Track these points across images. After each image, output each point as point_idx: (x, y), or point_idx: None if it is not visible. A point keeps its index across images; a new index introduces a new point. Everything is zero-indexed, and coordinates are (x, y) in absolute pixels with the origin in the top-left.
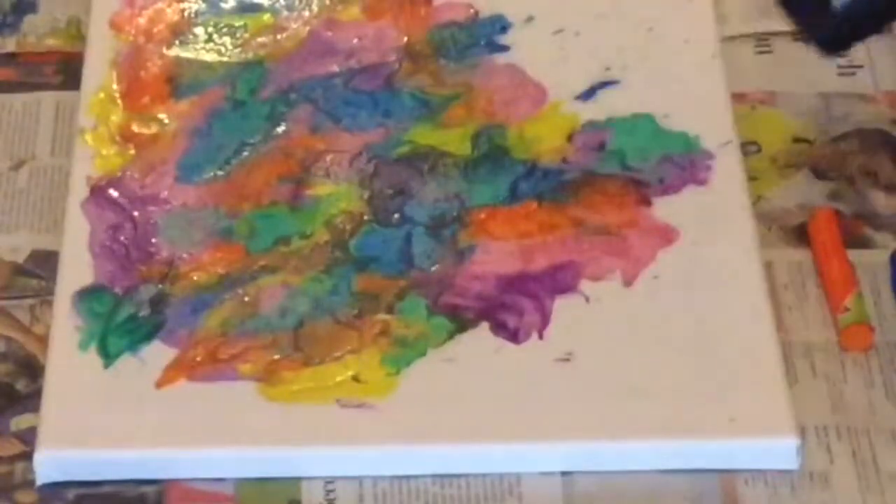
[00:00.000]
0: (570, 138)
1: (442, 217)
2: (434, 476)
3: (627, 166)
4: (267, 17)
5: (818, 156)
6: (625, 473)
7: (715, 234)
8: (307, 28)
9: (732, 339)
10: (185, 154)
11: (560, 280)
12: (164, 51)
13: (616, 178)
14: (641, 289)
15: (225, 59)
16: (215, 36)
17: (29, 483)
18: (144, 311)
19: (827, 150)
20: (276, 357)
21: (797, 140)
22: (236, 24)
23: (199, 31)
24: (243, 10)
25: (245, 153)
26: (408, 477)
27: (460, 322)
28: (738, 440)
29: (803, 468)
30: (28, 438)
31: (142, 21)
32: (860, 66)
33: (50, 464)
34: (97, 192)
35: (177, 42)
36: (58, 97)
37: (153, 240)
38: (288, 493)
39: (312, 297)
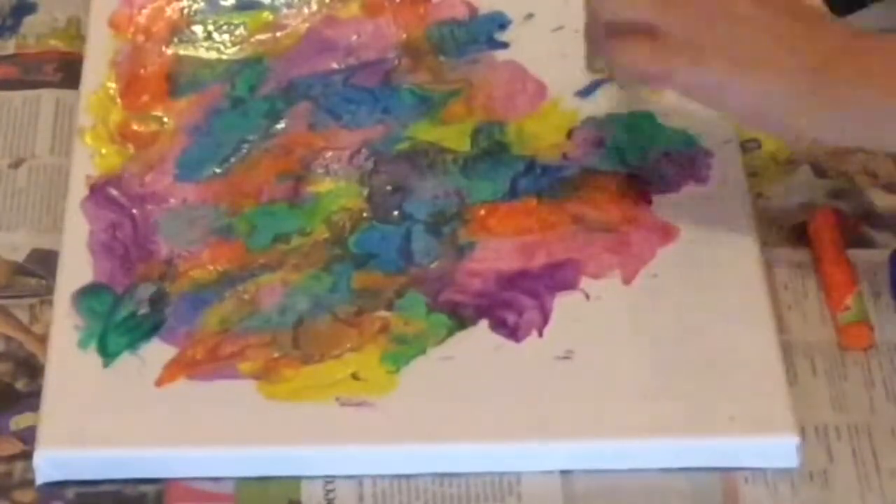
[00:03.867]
0: (569, 135)
1: (442, 214)
2: (434, 475)
3: (627, 163)
4: (266, 14)
5: (818, 152)
6: (625, 473)
7: (715, 233)
8: (306, 25)
9: (732, 337)
10: (184, 152)
11: (560, 277)
12: (164, 49)
13: (616, 176)
14: (641, 287)
15: (224, 56)
16: (214, 34)
17: (28, 482)
18: (144, 310)
19: (827, 146)
20: (276, 355)
21: None
22: (235, 21)
23: (198, 29)
24: (242, 7)
25: (244, 151)
26: (408, 476)
27: (460, 319)
28: (739, 439)
29: (803, 467)
30: (27, 438)
31: (141, 20)
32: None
33: (49, 463)
34: (96, 190)
35: (176, 40)
36: (57, 95)
37: (153, 238)
38: (288, 492)
39: (312, 295)
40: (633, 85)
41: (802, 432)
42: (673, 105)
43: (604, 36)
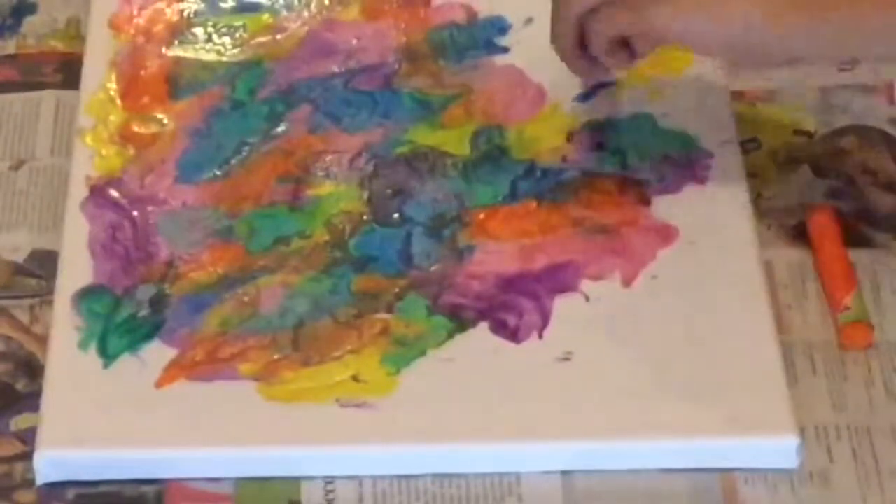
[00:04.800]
0: (569, 138)
1: (441, 217)
2: (434, 476)
3: (627, 166)
4: (266, 17)
5: (818, 152)
6: (625, 473)
7: (714, 233)
8: (306, 28)
9: (732, 338)
10: (184, 154)
11: (559, 279)
12: (164, 51)
13: (615, 178)
14: (641, 288)
15: (224, 59)
16: (214, 36)
17: (28, 483)
18: (144, 311)
19: (827, 146)
20: (276, 357)
21: (797, 132)
22: (235, 24)
23: (199, 31)
24: (242, 10)
25: (244, 153)
26: (408, 477)
27: (460, 322)
28: (738, 439)
29: (803, 467)
30: (28, 438)
31: (141, 21)
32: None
33: (49, 463)
34: (97, 192)
35: (176, 42)
36: (58, 96)
37: (153, 240)
38: (288, 493)
39: (312, 297)
40: (616, 58)
41: (802, 432)
42: (672, 104)
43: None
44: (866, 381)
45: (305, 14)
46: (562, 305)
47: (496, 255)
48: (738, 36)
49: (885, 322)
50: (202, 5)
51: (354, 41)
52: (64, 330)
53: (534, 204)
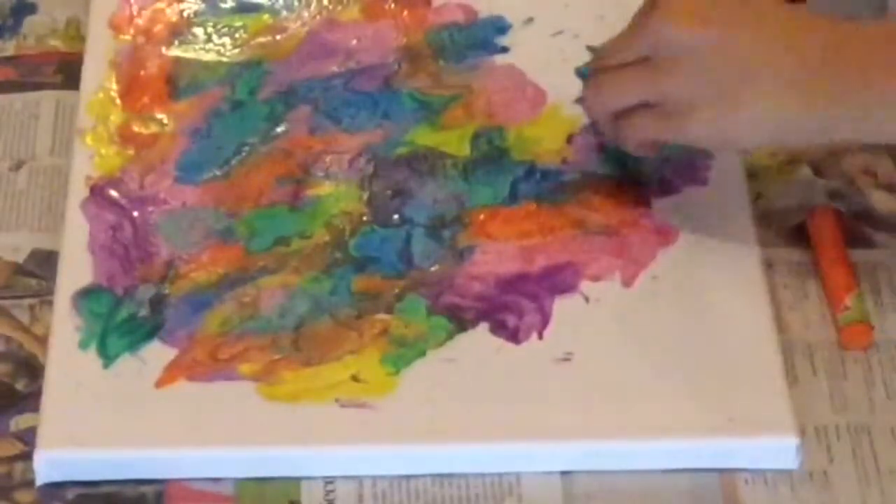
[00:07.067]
0: (569, 139)
1: (441, 218)
2: (434, 476)
3: (627, 167)
4: (266, 17)
5: (818, 152)
6: (625, 473)
7: (715, 234)
8: (306, 29)
9: (732, 338)
10: (184, 154)
11: (560, 280)
12: (164, 51)
13: (615, 179)
14: (641, 289)
15: (224, 59)
16: (214, 36)
17: (28, 483)
18: (144, 311)
19: (827, 146)
20: (276, 357)
21: None
22: (235, 24)
23: (199, 31)
24: (242, 10)
25: (244, 153)
26: (408, 477)
27: (460, 322)
28: (738, 440)
29: (803, 467)
30: (28, 438)
31: (141, 21)
32: None
33: (49, 464)
34: (97, 192)
35: (176, 42)
36: (58, 96)
37: (152, 240)
38: (288, 493)
39: (312, 298)
40: (645, 152)
41: (802, 432)
42: None
43: (608, 123)
44: (866, 381)
45: (305, 14)
46: (562, 306)
47: (496, 255)
48: (774, 134)
49: (886, 322)
50: (202, 5)
51: (354, 41)
52: (64, 330)
53: (534, 205)
